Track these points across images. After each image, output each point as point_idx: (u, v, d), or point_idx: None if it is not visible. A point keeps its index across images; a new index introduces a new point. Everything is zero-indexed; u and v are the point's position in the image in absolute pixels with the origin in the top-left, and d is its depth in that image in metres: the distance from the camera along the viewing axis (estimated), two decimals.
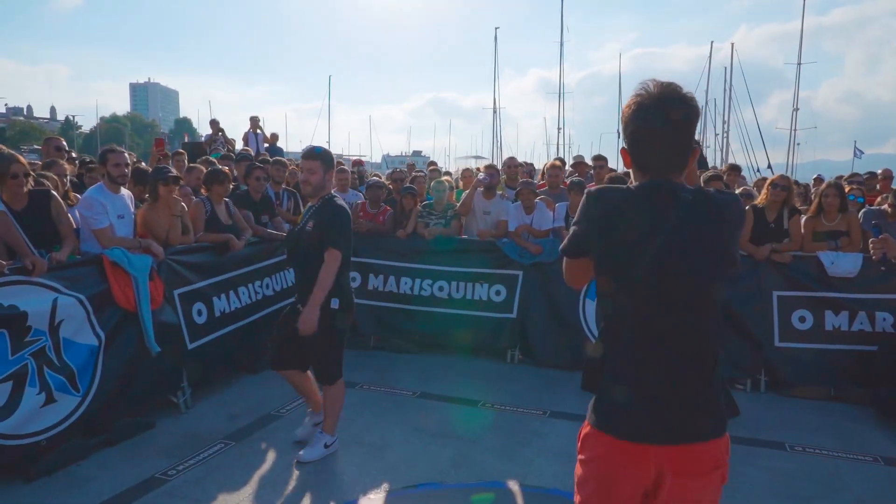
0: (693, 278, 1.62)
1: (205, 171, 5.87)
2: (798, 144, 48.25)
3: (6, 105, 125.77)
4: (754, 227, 5.54)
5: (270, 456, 4.00)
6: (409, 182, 7.40)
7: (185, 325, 4.85)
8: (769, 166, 41.34)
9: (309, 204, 3.93)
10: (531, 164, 8.58)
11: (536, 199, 6.25)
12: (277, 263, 6.11)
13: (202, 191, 5.50)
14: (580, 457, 1.79)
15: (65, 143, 6.12)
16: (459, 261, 6.31)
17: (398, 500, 3.52)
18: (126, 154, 4.67)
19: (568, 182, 6.43)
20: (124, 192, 4.71)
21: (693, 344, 1.66)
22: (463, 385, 5.38)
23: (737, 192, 6.71)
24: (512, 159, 7.29)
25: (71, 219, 4.45)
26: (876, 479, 3.81)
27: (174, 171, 4.98)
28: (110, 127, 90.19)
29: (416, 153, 63.93)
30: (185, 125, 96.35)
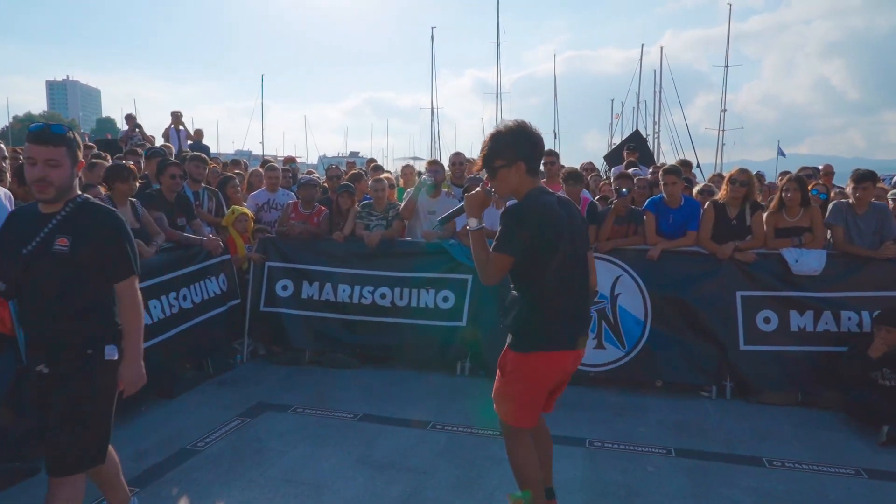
0: (583, 249, 2.76)
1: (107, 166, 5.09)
2: (724, 145, 50.09)
3: None
4: (716, 224, 5.25)
5: None
6: (346, 180, 6.80)
7: None
8: (698, 166, 42.70)
9: (43, 211, 2.49)
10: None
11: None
12: (197, 271, 5.40)
13: (102, 189, 4.73)
14: (524, 373, 2.68)
15: None
16: (403, 265, 5.76)
17: None
18: (3, 147, 3.89)
19: None
20: (2, 191, 3.92)
21: (586, 283, 2.78)
22: (410, 404, 4.83)
23: (696, 188, 6.46)
24: (458, 155, 6.79)
25: None
26: (865, 496, 3.51)
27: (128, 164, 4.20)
28: (23, 126, 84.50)
29: (354, 154, 62.72)
30: (107, 125, 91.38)
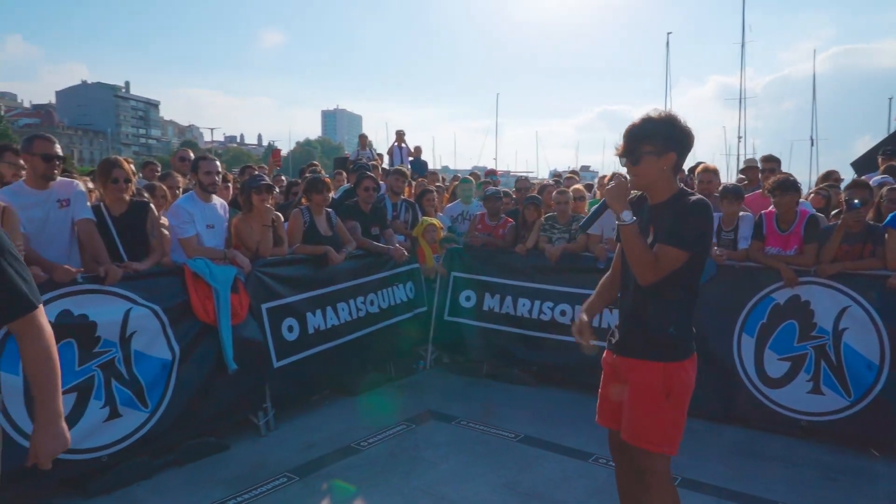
0: None
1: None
2: None
3: (224, 134, 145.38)
4: None
5: (322, 500, 3.49)
6: (535, 192, 6.65)
7: (273, 341, 4.57)
8: None
9: None
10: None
11: None
12: (386, 278, 5.71)
13: (303, 201, 5.27)
14: (687, 386, 2.46)
15: (191, 153, 6.28)
16: (585, 281, 5.38)
17: None
18: (217, 163, 4.53)
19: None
20: (217, 200, 4.57)
21: None
22: (578, 432, 4.48)
23: None
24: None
25: (164, 232, 4.37)
26: None
27: (267, 180, 4.75)
28: (303, 150, 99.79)
29: (585, 168, 61.95)
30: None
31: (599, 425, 4.47)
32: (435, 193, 7.10)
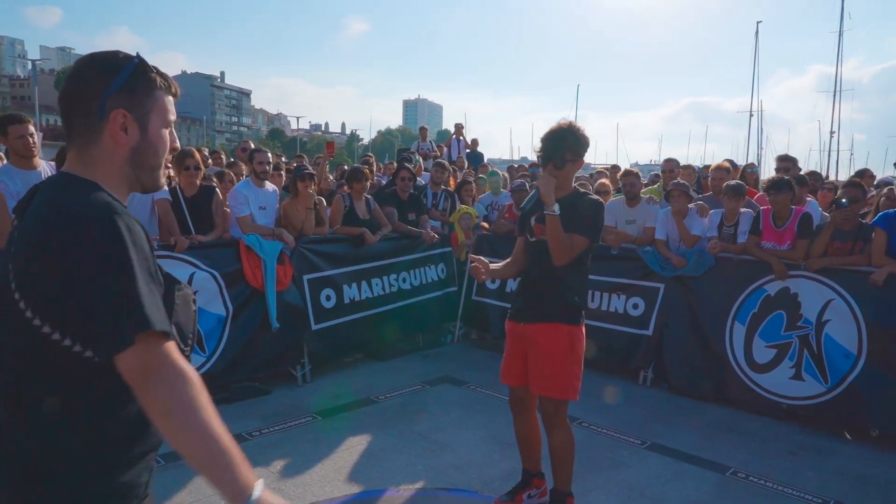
0: None
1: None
2: None
3: (309, 122, 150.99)
4: None
5: (339, 435, 4.21)
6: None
7: (312, 307, 5.35)
8: None
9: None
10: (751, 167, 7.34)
11: (690, 205, 5.53)
12: (418, 259, 6.38)
13: (345, 188, 6.01)
14: (582, 344, 3.09)
15: (251, 144, 7.18)
16: (598, 268, 5.86)
17: (426, 499, 3.45)
18: (269, 154, 5.33)
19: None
20: (270, 186, 5.38)
21: None
22: (575, 402, 4.99)
23: None
24: (670, 162, 6.52)
25: (227, 211, 5.21)
26: None
27: (309, 169, 5.52)
28: (384, 139, 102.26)
29: (668, 161, 60.28)
30: (444, 136, 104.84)
31: (590, 398, 5.00)
32: (474, 184, 7.68)
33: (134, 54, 1.29)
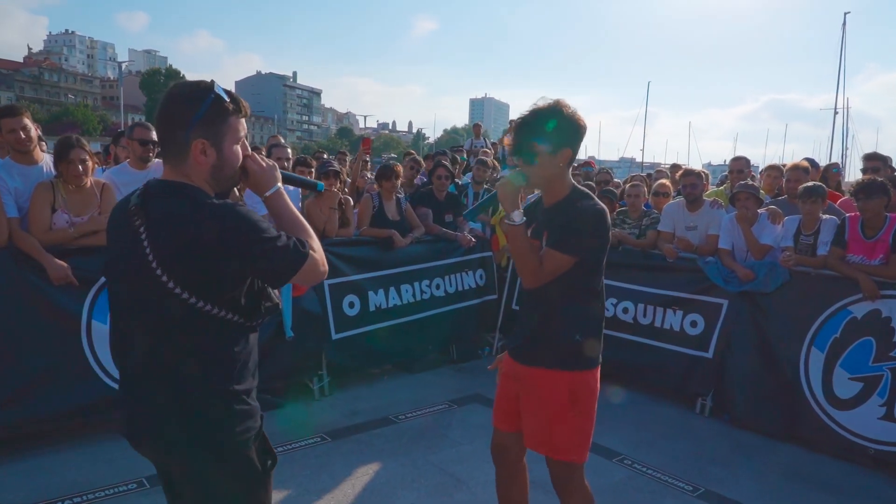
0: None
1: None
2: None
3: (377, 121, 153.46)
4: None
5: (344, 462, 3.79)
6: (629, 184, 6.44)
7: (333, 315, 4.97)
8: None
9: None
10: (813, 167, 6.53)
11: (760, 210, 4.81)
12: (454, 264, 5.91)
13: (374, 186, 5.61)
14: (595, 394, 2.36)
15: (281, 139, 6.90)
16: (651, 279, 5.24)
17: None
18: (288, 150, 5.00)
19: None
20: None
21: None
22: (616, 432, 4.40)
23: None
24: (738, 160, 5.75)
25: None
26: None
27: (335, 166, 5.15)
28: (450, 137, 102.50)
29: (736, 160, 57.27)
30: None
31: (638, 427, 4.41)
32: None
33: (211, 85, 1.61)
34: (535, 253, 2.24)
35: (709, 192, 5.80)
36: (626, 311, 5.32)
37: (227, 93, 1.64)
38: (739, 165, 5.72)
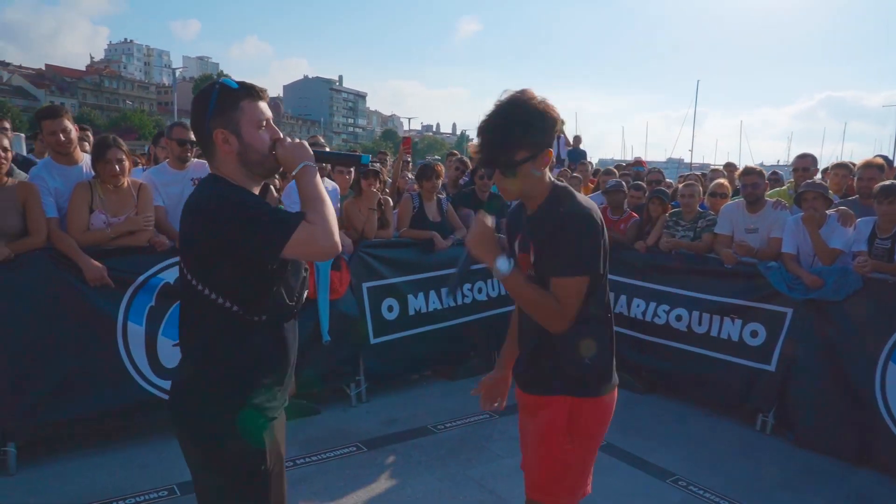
0: None
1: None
2: None
3: (421, 123, 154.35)
4: None
5: (379, 473, 3.63)
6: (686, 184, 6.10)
7: (371, 319, 4.83)
8: None
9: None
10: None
11: (829, 211, 4.44)
12: None
13: (415, 187, 5.45)
14: (604, 424, 2.02)
15: (320, 139, 6.79)
16: (707, 285, 4.91)
17: None
18: (327, 149, 4.87)
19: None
20: (329, 184, 4.92)
21: None
22: (669, 448, 4.12)
23: None
24: (804, 158, 5.32)
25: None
26: None
27: (375, 166, 5.00)
28: None
29: (801, 158, 55.07)
30: None
31: (694, 444, 4.11)
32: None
33: (217, 81, 1.70)
34: (544, 295, 1.85)
35: (770, 192, 5.42)
36: (679, 318, 5.00)
37: (239, 82, 1.69)
38: (805, 163, 5.31)
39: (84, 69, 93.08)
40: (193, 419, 1.72)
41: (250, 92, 1.69)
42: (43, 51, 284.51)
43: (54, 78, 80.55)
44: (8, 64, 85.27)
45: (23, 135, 7.64)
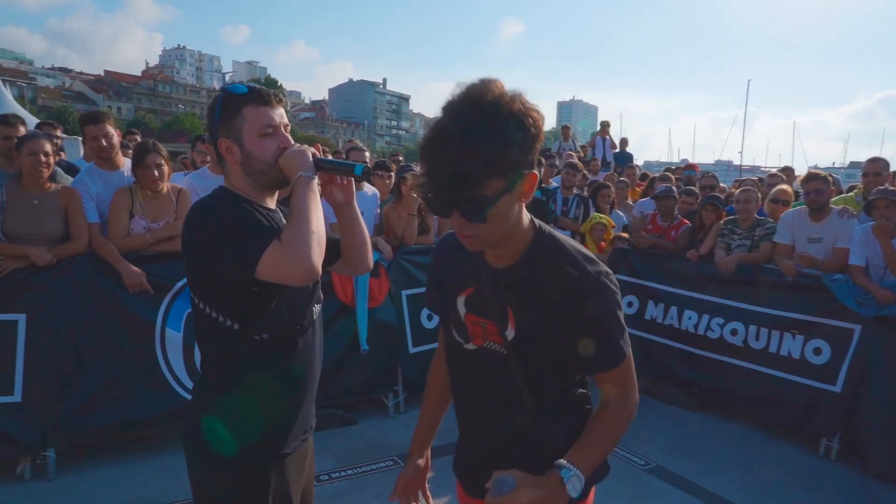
0: None
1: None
2: None
3: None
4: None
5: None
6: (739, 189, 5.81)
7: (410, 327, 4.71)
8: None
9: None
10: None
11: None
12: None
13: None
14: None
15: (357, 143, 6.73)
16: (765, 298, 4.62)
17: None
18: (367, 154, 4.79)
19: None
20: (369, 189, 4.83)
21: None
22: (724, 473, 3.86)
23: None
24: (876, 162, 4.93)
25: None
26: None
27: (415, 169, 4.89)
28: None
29: (854, 164, 52.89)
30: None
31: (751, 470, 3.85)
32: (613, 190, 6.63)
33: (223, 87, 1.60)
34: (606, 422, 1.45)
35: (835, 199, 5.08)
36: (734, 332, 4.72)
37: (248, 86, 1.58)
38: (877, 168, 4.93)
39: (139, 74, 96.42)
40: (191, 446, 1.66)
41: (255, 97, 1.55)
42: (102, 57, 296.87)
43: (112, 83, 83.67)
44: (70, 70, 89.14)
45: (79, 138, 7.83)
